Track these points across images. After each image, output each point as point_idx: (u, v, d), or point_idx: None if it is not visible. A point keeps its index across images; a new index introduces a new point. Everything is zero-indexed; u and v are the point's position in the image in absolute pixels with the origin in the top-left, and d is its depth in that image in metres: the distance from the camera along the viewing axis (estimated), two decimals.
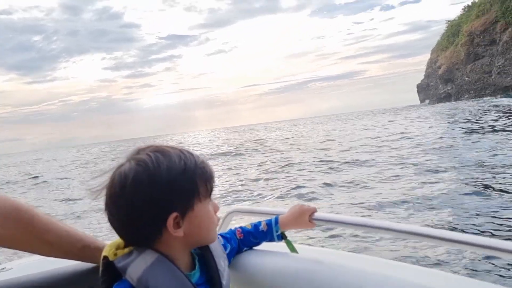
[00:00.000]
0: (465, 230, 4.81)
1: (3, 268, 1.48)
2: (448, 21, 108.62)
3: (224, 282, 0.96)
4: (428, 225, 5.20)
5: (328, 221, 1.17)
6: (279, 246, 1.22)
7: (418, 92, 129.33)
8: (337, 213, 6.01)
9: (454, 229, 4.93)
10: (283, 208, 1.25)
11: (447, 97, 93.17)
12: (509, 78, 63.12)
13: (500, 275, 3.54)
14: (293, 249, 1.20)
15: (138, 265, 0.83)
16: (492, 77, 67.65)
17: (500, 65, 65.66)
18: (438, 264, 3.89)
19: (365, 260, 1.20)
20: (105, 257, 0.86)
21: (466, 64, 76.53)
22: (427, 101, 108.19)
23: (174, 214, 0.84)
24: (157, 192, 0.82)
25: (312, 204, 1.21)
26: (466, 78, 77.16)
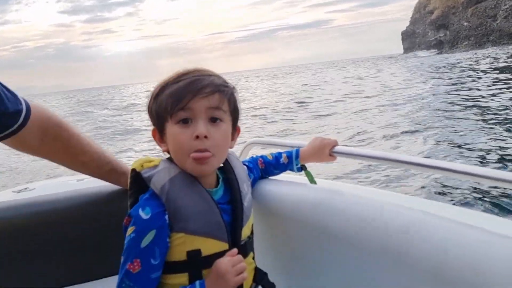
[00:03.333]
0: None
1: (25, 188, 1.64)
2: None
3: (245, 204, 0.99)
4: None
5: (349, 154, 1.18)
6: (299, 177, 1.26)
7: (403, 39, 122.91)
8: (358, 146, 6.03)
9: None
10: (303, 140, 1.26)
11: (438, 45, 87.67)
12: None
13: None
14: (312, 180, 1.23)
15: (162, 176, 0.89)
16: (498, 21, 61.69)
17: (507, 8, 59.53)
18: (461, 200, 3.90)
19: (380, 193, 1.30)
20: (133, 170, 0.92)
21: (467, 7, 69.94)
22: (419, 52, 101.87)
23: (153, 128, 0.96)
24: (148, 107, 0.96)
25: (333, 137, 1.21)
26: (465, 23, 70.94)
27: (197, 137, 0.87)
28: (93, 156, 1.16)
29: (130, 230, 0.85)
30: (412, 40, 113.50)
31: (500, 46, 57.47)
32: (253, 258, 1.04)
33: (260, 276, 1.04)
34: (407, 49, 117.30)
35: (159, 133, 0.95)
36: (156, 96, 0.94)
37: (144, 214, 0.85)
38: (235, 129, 1.00)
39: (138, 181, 0.92)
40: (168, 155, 0.96)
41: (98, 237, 1.27)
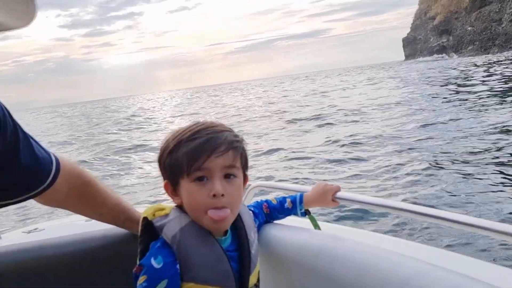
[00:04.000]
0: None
1: (35, 229, 1.65)
2: None
3: (253, 251, 1.01)
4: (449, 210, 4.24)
5: (351, 201, 1.21)
6: (303, 221, 1.28)
7: (404, 46, 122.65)
8: (361, 192, 5.65)
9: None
10: (307, 185, 1.30)
11: (441, 50, 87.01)
12: None
13: None
14: (316, 226, 1.24)
15: (174, 225, 0.91)
16: (503, 25, 60.88)
17: None
18: (462, 248, 3.85)
19: (385, 239, 1.31)
20: (145, 218, 0.93)
21: (470, 12, 69.27)
22: (420, 58, 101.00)
23: (165, 182, 0.97)
24: (159, 159, 0.97)
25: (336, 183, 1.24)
26: (469, 28, 70.20)
27: (214, 195, 0.90)
28: (110, 208, 1.20)
29: (142, 279, 0.85)
30: (413, 46, 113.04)
31: (507, 50, 56.58)
32: None
33: None
34: (408, 56, 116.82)
35: (172, 186, 0.96)
36: (171, 153, 0.94)
37: (156, 264, 0.86)
38: (245, 179, 1.01)
39: (149, 230, 0.93)
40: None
41: (107, 280, 1.27)
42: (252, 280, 1.00)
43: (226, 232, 0.99)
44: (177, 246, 0.89)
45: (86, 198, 1.15)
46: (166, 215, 0.93)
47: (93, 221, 1.28)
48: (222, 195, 0.90)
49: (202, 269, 0.90)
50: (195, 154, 0.90)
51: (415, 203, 4.67)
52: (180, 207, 0.96)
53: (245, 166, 0.99)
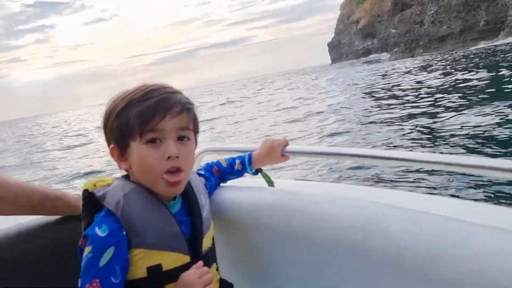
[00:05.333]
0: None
1: None
2: None
3: (204, 214, 0.98)
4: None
5: (301, 153, 1.20)
6: (258, 178, 1.24)
7: (330, 50, 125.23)
8: (309, 144, 6.26)
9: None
10: (254, 144, 1.25)
11: (366, 53, 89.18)
12: (444, 27, 58.55)
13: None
14: (269, 181, 1.21)
15: (116, 192, 0.87)
16: (425, 26, 62.82)
17: (433, 13, 60.81)
18: (409, 185, 4.22)
19: (339, 188, 1.27)
20: (85, 190, 0.89)
21: (393, 15, 71.11)
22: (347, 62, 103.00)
23: (111, 146, 0.92)
24: (103, 121, 0.92)
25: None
26: (393, 31, 72.07)
27: (169, 157, 0.87)
28: (11, 188, 0.99)
29: (87, 250, 0.82)
30: (338, 50, 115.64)
31: (431, 50, 58.20)
32: (217, 269, 1.03)
33: (225, 287, 1.03)
34: (334, 60, 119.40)
35: (119, 151, 0.91)
36: (120, 114, 0.88)
37: (101, 232, 0.83)
38: (196, 144, 0.99)
39: (92, 202, 0.88)
40: (125, 173, 0.95)
41: (44, 274, 1.12)
42: (206, 243, 0.97)
43: (175, 197, 0.95)
44: (121, 212, 0.85)
45: None
46: (108, 184, 0.89)
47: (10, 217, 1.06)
48: (177, 157, 0.87)
49: (150, 233, 0.86)
50: (149, 114, 0.85)
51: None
52: (124, 176, 0.93)
53: (196, 130, 0.96)
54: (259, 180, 1.23)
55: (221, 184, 1.23)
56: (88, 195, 0.88)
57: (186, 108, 0.89)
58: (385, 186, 4.30)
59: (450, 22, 57.63)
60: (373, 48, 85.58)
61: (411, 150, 5.69)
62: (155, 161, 0.86)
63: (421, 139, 7.13)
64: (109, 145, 0.93)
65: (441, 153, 5.21)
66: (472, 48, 48.12)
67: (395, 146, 6.70)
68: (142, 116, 0.85)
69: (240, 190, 1.18)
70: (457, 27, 56.60)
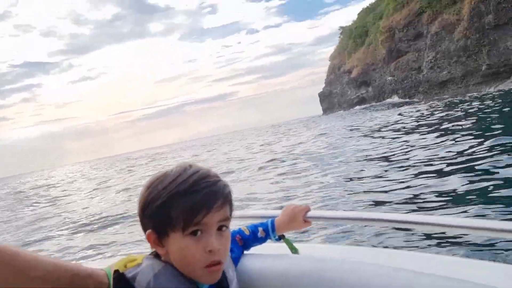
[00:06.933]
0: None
1: None
2: (342, 27, 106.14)
3: None
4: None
5: (323, 218, 1.21)
6: (280, 245, 1.25)
7: (321, 100, 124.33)
8: (331, 209, 5.86)
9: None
10: (275, 210, 1.25)
11: (360, 102, 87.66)
12: (444, 72, 56.94)
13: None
14: (293, 249, 1.21)
15: (146, 273, 0.87)
16: (424, 72, 61.30)
17: (431, 59, 59.49)
18: (442, 249, 3.82)
19: (361, 251, 1.25)
20: (116, 271, 0.89)
21: (388, 63, 70.01)
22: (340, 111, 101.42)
23: (148, 231, 0.91)
24: (140, 206, 0.91)
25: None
26: (389, 78, 70.64)
27: (210, 251, 0.88)
28: (48, 268, 0.96)
29: None
30: (330, 100, 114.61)
31: (432, 96, 55.97)
32: None
33: None
34: (326, 110, 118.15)
35: (157, 237, 0.91)
36: (161, 205, 0.87)
37: None
38: None
39: (122, 283, 0.88)
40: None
41: None
42: None
43: None
44: None
45: (5, 262, 0.90)
46: (138, 264, 0.89)
47: None
48: (218, 249, 0.89)
49: None
50: (195, 211, 0.86)
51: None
52: (153, 254, 0.93)
53: (231, 213, 0.97)
54: (281, 245, 1.23)
55: (244, 252, 1.23)
56: (118, 276, 0.87)
57: (227, 199, 0.91)
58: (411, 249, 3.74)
59: (450, 67, 56.06)
60: (368, 96, 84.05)
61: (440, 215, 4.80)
62: (196, 254, 0.87)
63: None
64: (145, 230, 0.92)
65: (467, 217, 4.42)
66: (486, 90, 45.69)
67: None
68: (187, 213, 0.85)
69: (265, 258, 1.18)
70: (458, 72, 54.91)
